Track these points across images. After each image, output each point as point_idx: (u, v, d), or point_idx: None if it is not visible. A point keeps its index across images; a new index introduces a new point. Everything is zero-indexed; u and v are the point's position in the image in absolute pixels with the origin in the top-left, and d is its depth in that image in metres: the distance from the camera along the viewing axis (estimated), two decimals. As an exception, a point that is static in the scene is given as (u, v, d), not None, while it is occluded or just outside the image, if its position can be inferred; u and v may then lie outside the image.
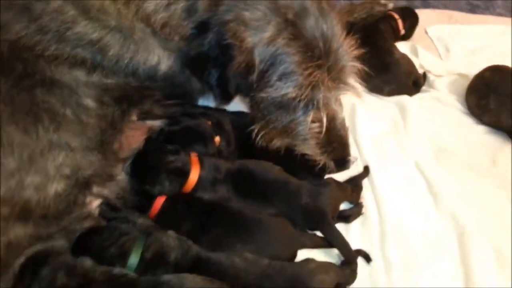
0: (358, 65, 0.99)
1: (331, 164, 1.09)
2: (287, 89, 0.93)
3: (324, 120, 0.99)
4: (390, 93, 1.47)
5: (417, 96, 1.48)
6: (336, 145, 1.07)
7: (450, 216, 1.15)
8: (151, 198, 1.05)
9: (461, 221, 1.13)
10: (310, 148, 1.06)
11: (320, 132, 1.02)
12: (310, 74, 0.91)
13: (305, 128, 1.02)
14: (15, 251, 0.86)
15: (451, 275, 1.06)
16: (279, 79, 0.93)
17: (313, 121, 1.01)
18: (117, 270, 0.82)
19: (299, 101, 0.95)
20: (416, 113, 1.40)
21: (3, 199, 0.86)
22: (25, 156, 0.90)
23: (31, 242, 0.87)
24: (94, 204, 0.99)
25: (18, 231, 0.86)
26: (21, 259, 0.84)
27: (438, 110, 1.44)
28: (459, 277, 1.05)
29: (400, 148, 1.32)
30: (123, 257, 0.86)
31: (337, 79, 0.96)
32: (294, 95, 0.94)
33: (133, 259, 0.86)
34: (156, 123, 1.23)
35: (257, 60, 0.93)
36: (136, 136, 1.16)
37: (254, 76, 0.95)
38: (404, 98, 1.45)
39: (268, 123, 1.06)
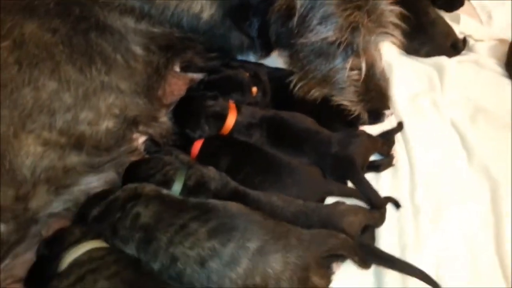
0: (397, 8, 1.01)
1: (366, 116, 1.12)
2: (327, 33, 0.97)
3: (363, 65, 1.02)
4: (427, 55, 1.47)
5: (455, 58, 1.47)
6: (375, 95, 1.09)
7: (482, 170, 1.16)
8: (191, 140, 1.13)
9: (493, 175, 1.14)
10: (347, 97, 1.09)
11: (358, 80, 1.05)
12: (349, 15, 0.94)
13: (344, 75, 1.05)
14: (70, 175, 0.95)
15: (480, 223, 1.07)
16: (319, 22, 0.97)
17: (352, 68, 1.04)
18: (164, 191, 0.90)
19: (339, 45, 0.98)
20: (453, 74, 1.39)
21: (60, 130, 0.95)
22: (80, 93, 0.99)
23: (84, 169, 0.97)
24: (140, 140, 1.07)
25: (73, 159, 0.96)
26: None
27: (476, 72, 1.43)
28: (489, 225, 1.07)
29: (435, 107, 1.32)
30: (167, 184, 0.93)
31: (376, 22, 0.98)
32: (334, 38, 0.97)
33: (177, 186, 0.93)
34: (197, 76, 1.30)
35: (298, 3, 0.97)
36: (178, 85, 1.24)
37: (294, 22, 0.99)
38: (442, 59, 1.45)
39: (307, 73, 1.09)
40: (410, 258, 0.98)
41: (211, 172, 1.01)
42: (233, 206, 0.87)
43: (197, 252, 0.79)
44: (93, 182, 0.98)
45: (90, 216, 0.86)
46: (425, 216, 1.07)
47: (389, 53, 1.41)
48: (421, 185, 1.13)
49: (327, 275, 0.86)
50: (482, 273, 1.01)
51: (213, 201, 0.88)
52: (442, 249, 1.03)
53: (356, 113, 1.12)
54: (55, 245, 0.81)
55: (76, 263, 0.77)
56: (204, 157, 1.10)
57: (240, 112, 1.15)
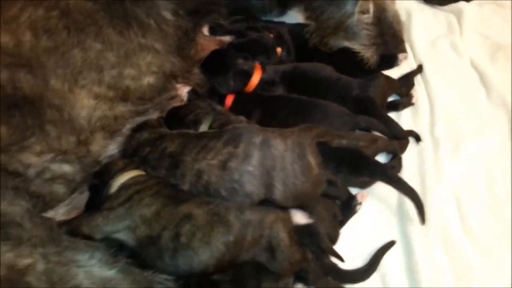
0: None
1: (379, 60, 1.18)
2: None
3: (371, 8, 1.08)
4: (444, 3, 1.50)
5: (474, 2, 1.50)
6: (388, 39, 1.16)
7: (501, 104, 1.21)
8: (223, 96, 1.24)
9: (512, 108, 1.19)
10: (360, 42, 1.16)
11: (370, 23, 1.12)
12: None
13: (354, 19, 1.12)
14: (120, 121, 1.09)
15: (498, 154, 1.13)
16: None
17: (362, 12, 1.11)
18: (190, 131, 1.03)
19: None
20: (472, 15, 1.43)
21: (108, 84, 1.08)
22: (121, 53, 1.11)
23: (131, 115, 1.10)
24: (181, 91, 1.19)
25: (121, 108, 1.09)
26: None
27: (496, 12, 1.45)
28: (507, 155, 1.12)
29: (455, 48, 1.37)
30: (196, 124, 1.06)
31: None
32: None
33: (203, 127, 1.05)
34: (225, 38, 1.41)
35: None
36: (209, 47, 1.35)
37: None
38: (461, 4, 1.48)
39: (322, 22, 1.17)
40: (430, 187, 1.06)
41: (239, 120, 1.12)
42: (238, 124, 1.02)
43: (217, 159, 0.92)
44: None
45: (127, 152, 1.00)
46: (445, 149, 1.14)
47: (408, 1, 1.46)
48: (441, 120, 1.19)
49: (321, 165, 0.95)
50: (499, 200, 1.07)
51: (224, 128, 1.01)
52: (461, 179, 1.10)
53: (372, 59, 1.18)
54: (104, 175, 0.94)
55: (123, 187, 0.90)
56: (237, 110, 1.20)
57: (265, 71, 1.24)
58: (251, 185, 0.92)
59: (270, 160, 0.92)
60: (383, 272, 0.96)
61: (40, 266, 0.72)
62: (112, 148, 1.06)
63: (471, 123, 1.19)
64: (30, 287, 0.70)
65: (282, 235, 0.84)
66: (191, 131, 1.03)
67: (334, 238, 0.97)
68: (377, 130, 1.14)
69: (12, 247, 0.73)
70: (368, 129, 1.13)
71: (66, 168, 0.96)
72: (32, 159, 0.93)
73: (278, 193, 0.92)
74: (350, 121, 1.13)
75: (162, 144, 0.98)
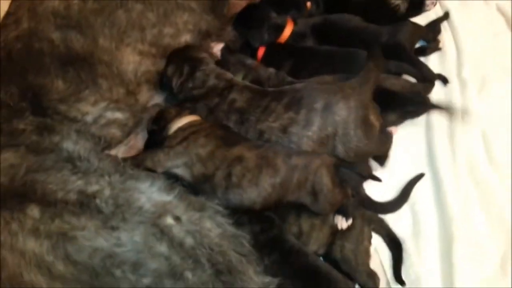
0: None
1: (407, 6, 1.22)
2: None
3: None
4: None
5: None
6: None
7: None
8: (255, 49, 1.31)
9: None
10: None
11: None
12: None
13: None
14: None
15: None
16: None
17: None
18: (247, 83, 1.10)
19: None
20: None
21: (150, 42, 1.16)
22: (161, 12, 1.19)
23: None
24: (214, 48, 1.27)
25: (163, 64, 1.18)
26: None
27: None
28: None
29: (481, -4, 1.39)
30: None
31: None
32: None
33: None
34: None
35: None
36: (240, 4, 1.41)
37: None
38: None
39: None
40: (458, 124, 1.11)
41: (269, 72, 1.18)
42: (298, 84, 1.04)
43: (279, 123, 0.98)
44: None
45: (188, 96, 1.09)
46: (471, 89, 1.18)
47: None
48: (468, 63, 1.23)
49: (380, 117, 0.99)
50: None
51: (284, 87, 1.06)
52: (486, 116, 1.14)
53: (400, 4, 1.22)
54: (161, 121, 1.03)
55: (180, 129, 0.98)
56: (269, 61, 1.27)
57: (296, 24, 1.30)
58: (308, 146, 0.96)
59: (331, 127, 0.95)
60: (413, 202, 1.02)
61: (107, 192, 0.83)
62: (157, 98, 1.15)
63: (497, 65, 1.22)
64: (98, 208, 0.80)
65: (326, 180, 0.90)
66: (251, 85, 1.08)
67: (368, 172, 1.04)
68: (407, 74, 1.18)
69: (81, 176, 0.84)
70: (399, 74, 1.18)
71: (118, 115, 1.06)
72: (88, 108, 1.03)
73: (340, 152, 0.96)
74: (382, 66, 1.16)
75: (230, 95, 1.04)
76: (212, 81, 1.08)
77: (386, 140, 1.03)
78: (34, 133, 0.92)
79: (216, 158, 0.93)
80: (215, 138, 0.96)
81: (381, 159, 1.07)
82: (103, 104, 1.05)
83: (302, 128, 0.97)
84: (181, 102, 1.10)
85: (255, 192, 0.91)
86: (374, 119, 0.96)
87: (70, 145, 0.91)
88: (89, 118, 1.02)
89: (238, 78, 1.15)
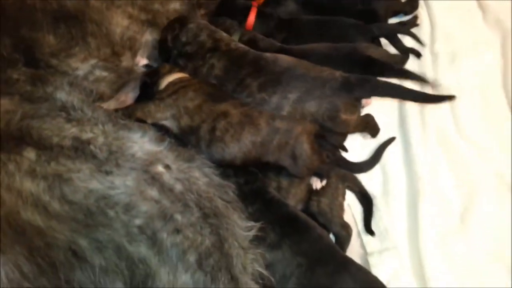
0: None
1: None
2: None
3: None
4: None
5: None
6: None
7: (495, 23, 1.33)
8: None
9: (505, 26, 1.31)
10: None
11: None
12: None
13: None
14: (146, 48, 1.21)
15: (492, 66, 1.27)
16: None
17: None
18: (233, 44, 1.12)
19: None
20: None
21: (140, 7, 1.19)
22: (152, -23, 1.23)
23: (155, 47, 1.21)
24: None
25: (148, 37, 1.20)
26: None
27: None
28: (498, 66, 1.26)
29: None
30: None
31: None
32: None
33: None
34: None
35: None
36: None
37: None
38: None
39: None
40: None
41: (261, 36, 1.23)
42: (283, 60, 1.08)
43: (251, 99, 1.04)
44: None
45: (182, 51, 1.12)
46: (443, 63, 1.27)
47: None
48: (440, 39, 1.31)
49: (356, 111, 1.06)
50: (491, 107, 1.22)
51: (267, 56, 1.10)
52: (456, 88, 1.22)
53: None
54: (153, 75, 1.08)
55: (170, 84, 1.03)
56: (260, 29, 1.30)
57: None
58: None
59: (299, 116, 1.02)
60: (384, 163, 1.11)
61: (100, 139, 0.87)
62: (140, 67, 1.19)
63: (468, 41, 1.31)
64: (93, 153, 0.84)
65: (305, 146, 0.97)
66: (236, 48, 1.11)
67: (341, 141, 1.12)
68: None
69: (76, 124, 0.88)
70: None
71: (106, 74, 1.09)
72: (78, 64, 1.07)
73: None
74: (365, 31, 1.24)
75: (210, 60, 1.09)
76: (203, 37, 1.12)
77: (368, 120, 1.11)
78: (28, 83, 0.94)
79: (202, 112, 0.98)
80: (203, 93, 1.01)
81: (373, 131, 1.14)
82: (92, 62, 1.08)
83: (271, 110, 1.03)
84: (175, 60, 1.14)
85: (236, 147, 0.97)
86: (347, 115, 1.03)
87: (63, 95, 0.94)
88: (79, 73, 1.05)
89: (236, 38, 1.19)
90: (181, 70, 1.09)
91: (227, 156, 0.98)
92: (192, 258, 0.80)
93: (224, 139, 0.97)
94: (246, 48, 1.12)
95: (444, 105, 1.19)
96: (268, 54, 1.11)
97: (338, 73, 1.05)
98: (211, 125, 0.98)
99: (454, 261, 0.97)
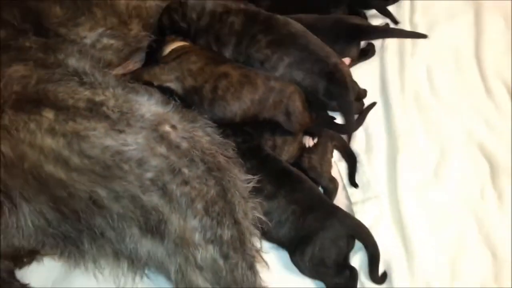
0: None
1: None
2: None
3: None
4: None
5: None
6: None
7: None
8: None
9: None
10: None
11: None
12: None
13: None
14: (150, 14, 1.26)
15: (465, 32, 1.38)
16: None
17: None
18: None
19: None
20: None
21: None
22: None
23: (158, 11, 1.26)
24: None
25: (151, 3, 1.26)
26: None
27: None
28: (472, 35, 1.37)
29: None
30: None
31: None
32: None
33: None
34: None
35: None
36: None
37: None
38: None
39: None
40: (406, 59, 1.31)
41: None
42: (293, 26, 1.18)
43: (259, 55, 1.14)
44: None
45: (197, 27, 1.19)
46: (421, 30, 1.36)
47: None
48: (419, 9, 1.42)
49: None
50: (463, 72, 1.32)
51: (278, 17, 1.19)
52: (432, 53, 1.34)
53: None
54: (158, 43, 1.17)
55: (173, 50, 1.13)
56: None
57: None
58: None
59: (288, 80, 1.12)
60: (367, 125, 1.22)
61: (111, 102, 0.95)
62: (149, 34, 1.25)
63: (444, 12, 1.41)
64: (106, 114, 0.92)
65: (298, 104, 1.09)
66: (248, 8, 1.19)
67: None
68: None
69: (88, 88, 0.96)
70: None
71: (113, 41, 1.17)
72: (86, 33, 1.14)
73: None
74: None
75: (229, 19, 1.17)
76: (209, 5, 1.19)
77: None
78: (40, 51, 1.01)
79: (205, 73, 1.07)
80: (205, 57, 1.11)
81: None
82: (99, 30, 1.15)
83: (270, 69, 1.14)
84: (194, 39, 1.20)
85: (236, 104, 1.07)
86: (325, 99, 1.15)
87: (74, 62, 1.01)
88: (87, 41, 1.12)
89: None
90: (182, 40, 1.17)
91: (228, 113, 1.08)
92: (199, 205, 0.90)
93: (226, 98, 1.07)
94: (256, 8, 1.21)
95: (421, 68, 1.31)
96: (280, 16, 1.21)
97: (333, 60, 1.15)
98: (213, 85, 1.07)
99: (429, 208, 1.10)
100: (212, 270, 0.89)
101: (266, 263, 0.98)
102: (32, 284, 0.99)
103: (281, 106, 1.08)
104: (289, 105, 1.08)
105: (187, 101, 1.06)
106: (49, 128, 0.89)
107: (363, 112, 1.23)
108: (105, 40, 1.15)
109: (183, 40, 1.16)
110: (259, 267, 0.94)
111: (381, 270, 0.99)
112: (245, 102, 1.07)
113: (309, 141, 1.15)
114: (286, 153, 1.14)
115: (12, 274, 0.99)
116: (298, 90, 1.10)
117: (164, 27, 1.22)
